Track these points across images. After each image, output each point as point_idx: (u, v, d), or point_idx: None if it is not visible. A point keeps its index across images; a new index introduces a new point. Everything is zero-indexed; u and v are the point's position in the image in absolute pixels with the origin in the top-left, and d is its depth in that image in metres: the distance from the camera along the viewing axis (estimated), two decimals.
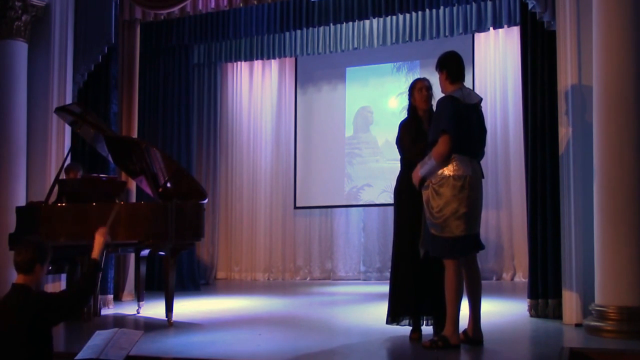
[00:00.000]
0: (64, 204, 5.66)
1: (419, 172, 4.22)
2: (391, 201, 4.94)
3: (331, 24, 8.85)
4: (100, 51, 7.08)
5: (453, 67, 4.30)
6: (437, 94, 4.54)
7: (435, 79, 4.51)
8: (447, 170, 4.10)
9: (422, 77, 4.83)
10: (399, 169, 4.71)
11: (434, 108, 4.39)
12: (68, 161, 6.43)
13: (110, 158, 6.21)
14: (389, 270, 4.59)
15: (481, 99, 4.40)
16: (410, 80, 4.95)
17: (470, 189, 4.10)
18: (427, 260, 4.35)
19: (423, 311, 4.53)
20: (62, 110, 5.96)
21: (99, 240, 3.62)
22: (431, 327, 4.54)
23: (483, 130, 4.37)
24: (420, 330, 4.52)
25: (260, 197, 10.20)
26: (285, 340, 4.74)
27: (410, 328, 4.56)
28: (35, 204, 5.89)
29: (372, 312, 5.91)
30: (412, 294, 4.47)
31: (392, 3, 7.99)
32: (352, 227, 9.74)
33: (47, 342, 3.28)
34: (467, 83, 9.52)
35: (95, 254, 3.57)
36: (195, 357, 4.20)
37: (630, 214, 4.49)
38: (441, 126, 4.09)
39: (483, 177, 4.29)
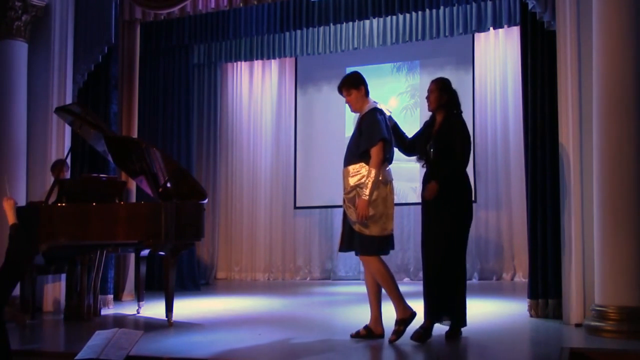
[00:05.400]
0: (64, 204, 5.66)
1: (367, 200, 4.40)
2: None
3: (331, 24, 8.84)
4: (100, 51, 7.08)
5: (365, 82, 4.92)
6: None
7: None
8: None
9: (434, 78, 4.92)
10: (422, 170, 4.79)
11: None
12: (68, 161, 6.44)
13: (110, 158, 6.21)
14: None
15: (388, 112, 4.86)
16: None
17: (392, 192, 4.58)
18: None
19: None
20: (62, 110, 5.96)
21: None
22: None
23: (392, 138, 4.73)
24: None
25: (260, 197, 10.20)
26: (286, 341, 4.74)
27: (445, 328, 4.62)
28: (35, 204, 5.88)
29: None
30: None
31: (392, 3, 7.98)
32: None
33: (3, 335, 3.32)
34: (467, 83, 9.57)
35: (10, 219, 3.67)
36: (195, 357, 4.21)
37: (630, 214, 4.49)
38: (378, 136, 4.48)
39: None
